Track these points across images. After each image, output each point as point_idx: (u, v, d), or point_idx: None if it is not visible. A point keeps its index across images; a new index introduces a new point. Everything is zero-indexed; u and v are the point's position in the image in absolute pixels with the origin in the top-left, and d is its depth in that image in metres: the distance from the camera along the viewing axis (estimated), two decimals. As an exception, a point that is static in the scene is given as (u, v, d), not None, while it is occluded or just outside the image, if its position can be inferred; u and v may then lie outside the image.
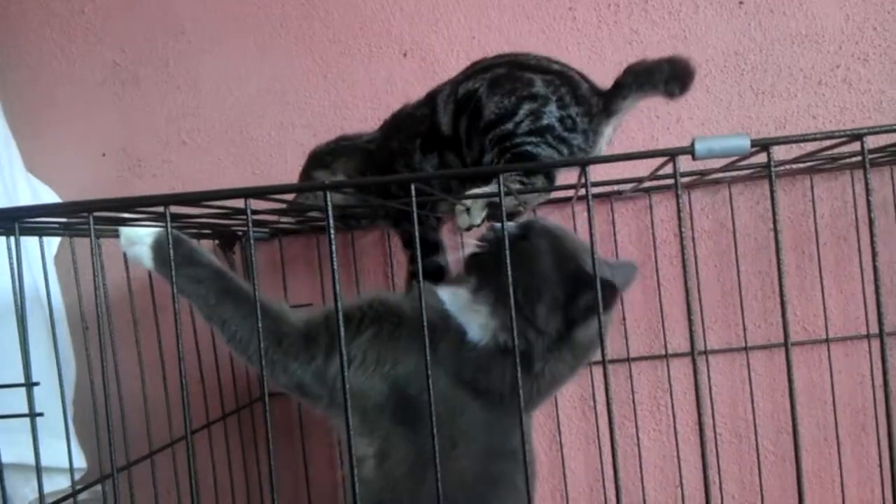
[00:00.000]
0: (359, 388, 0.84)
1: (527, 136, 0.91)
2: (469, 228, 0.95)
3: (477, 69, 0.99)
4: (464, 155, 0.99)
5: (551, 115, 0.91)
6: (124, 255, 0.90)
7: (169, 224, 0.67)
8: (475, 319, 0.86)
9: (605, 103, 0.94)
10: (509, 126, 0.92)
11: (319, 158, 1.13)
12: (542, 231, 0.88)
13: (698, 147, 0.62)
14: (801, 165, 1.11)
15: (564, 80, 0.94)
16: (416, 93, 1.31)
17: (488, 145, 0.94)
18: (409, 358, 0.84)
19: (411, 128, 1.05)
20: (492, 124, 0.93)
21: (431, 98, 1.04)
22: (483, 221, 0.97)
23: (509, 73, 0.95)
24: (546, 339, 0.83)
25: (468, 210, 0.94)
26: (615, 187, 1.22)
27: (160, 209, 0.70)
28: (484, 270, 0.87)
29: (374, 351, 0.85)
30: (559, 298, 0.82)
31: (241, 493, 1.31)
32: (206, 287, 0.84)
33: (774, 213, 0.66)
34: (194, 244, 0.86)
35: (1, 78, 1.34)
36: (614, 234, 1.29)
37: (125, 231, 0.86)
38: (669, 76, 0.90)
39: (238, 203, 0.70)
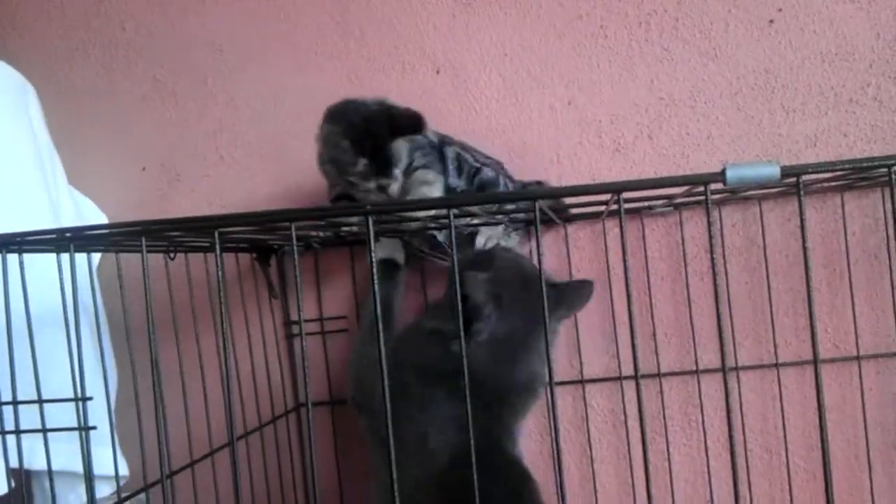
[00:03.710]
0: None
1: None
2: None
3: None
4: None
5: None
6: (166, 268, 0.94)
7: (218, 244, 0.70)
8: None
9: None
10: None
11: None
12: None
13: (729, 174, 0.63)
14: (832, 183, 1.11)
15: None
16: (449, 109, 1.35)
17: None
18: None
19: None
20: None
21: None
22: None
23: None
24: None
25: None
26: (646, 203, 1.23)
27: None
28: None
29: None
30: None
31: (276, 502, 1.33)
32: None
33: (804, 237, 0.67)
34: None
35: (44, 93, 1.37)
36: (644, 250, 1.30)
37: None
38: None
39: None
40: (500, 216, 1.11)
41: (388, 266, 1.25)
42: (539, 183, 1.26)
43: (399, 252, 1.26)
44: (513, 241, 1.23)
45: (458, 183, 1.16)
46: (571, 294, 1.11)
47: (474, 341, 1.00)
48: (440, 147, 1.17)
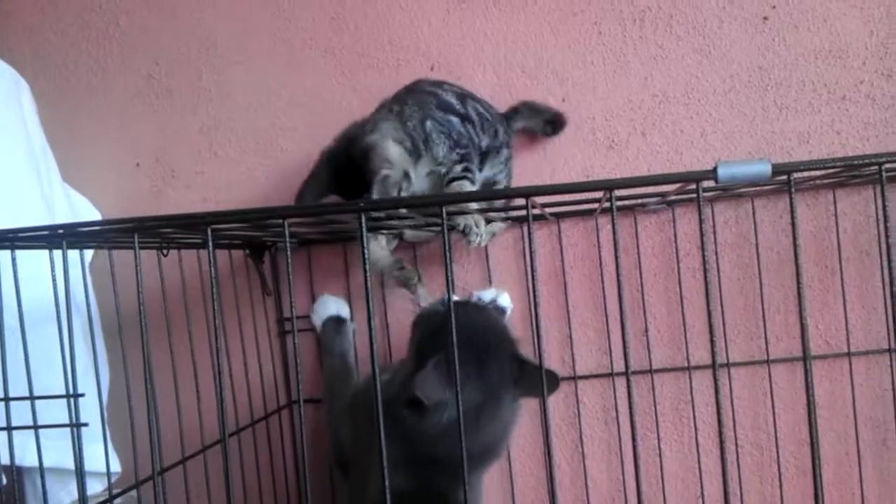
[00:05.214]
0: None
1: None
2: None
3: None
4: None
5: None
6: (159, 264, 0.95)
7: (211, 241, 0.70)
8: None
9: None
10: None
11: None
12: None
13: (721, 172, 0.63)
14: (824, 181, 1.12)
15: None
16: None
17: None
18: None
19: None
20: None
21: None
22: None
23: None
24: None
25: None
26: (639, 200, 1.23)
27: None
28: None
29: None
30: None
31: (269, 499, 1.33)
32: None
33: (795, 234, 0.68)
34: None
35: (38, 89, 1.37)
36: (637, 247, 1.31)
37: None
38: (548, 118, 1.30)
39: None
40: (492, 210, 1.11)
41: (336, 322, 1.29)
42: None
43: (344, 307, 1.31)
44: (500, 228, 1.25)
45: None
46: (532, 379, 0.97)
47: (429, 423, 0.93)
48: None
